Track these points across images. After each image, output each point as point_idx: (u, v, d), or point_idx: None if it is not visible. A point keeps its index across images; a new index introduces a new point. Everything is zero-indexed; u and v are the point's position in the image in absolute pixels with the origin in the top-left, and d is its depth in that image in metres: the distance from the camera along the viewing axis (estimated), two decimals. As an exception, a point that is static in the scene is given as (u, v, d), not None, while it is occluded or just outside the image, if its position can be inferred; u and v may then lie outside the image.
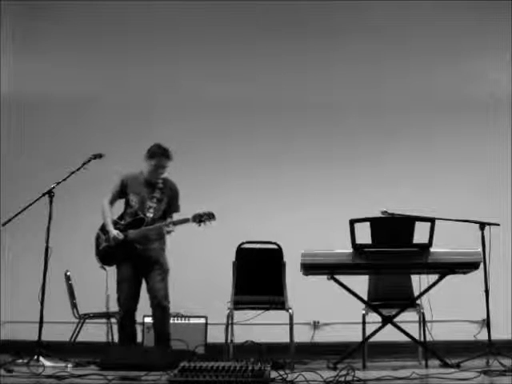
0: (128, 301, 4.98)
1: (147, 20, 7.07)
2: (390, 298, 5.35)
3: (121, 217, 5.13)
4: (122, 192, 5.13)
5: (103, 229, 5.09)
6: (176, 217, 5.10)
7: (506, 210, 6.52)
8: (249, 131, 7.01)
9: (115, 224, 5.05)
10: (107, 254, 5.05)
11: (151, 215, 5.01)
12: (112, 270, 5.13)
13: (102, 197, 5.15)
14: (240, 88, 7.01)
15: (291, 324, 5.16)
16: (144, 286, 5.08)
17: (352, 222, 4.67)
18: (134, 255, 4.98)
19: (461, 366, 4.61)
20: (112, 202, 5.14)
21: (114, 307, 5.24)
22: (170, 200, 5.10)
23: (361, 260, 4.71)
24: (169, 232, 4.98)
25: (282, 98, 7.06)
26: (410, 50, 7.02)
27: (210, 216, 4.92)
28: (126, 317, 5.00)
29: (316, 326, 6.62)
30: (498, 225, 5.01)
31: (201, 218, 4.90)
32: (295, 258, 4.80)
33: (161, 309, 4.97)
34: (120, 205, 5.18)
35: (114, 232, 4.98)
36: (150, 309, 5.03)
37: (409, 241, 4.70)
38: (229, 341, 5.28)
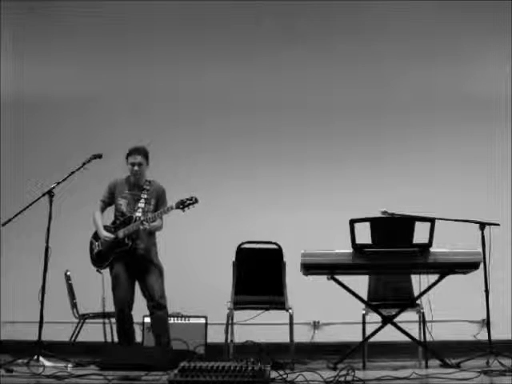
0: (123, 299, 5.00)
1: (147, 20, 7.08)
2: (390, 298, 5.35)
3: (113, 222, 5.20)
4: (110, 198, 5.23)
5: (95, 235, 5.18)
6: (166, 216, 5.12)
7: (506, 210, 6.51)
8: (249, 131, 7.00)
9: (106, 228, 5.13)
10: (101, 257, 5.13)
11: (139, 214, 5.05)
12: (108, 272, 5.14)
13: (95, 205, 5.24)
14: (240, 88, 7.01)
15: (291, 324, 5.16)
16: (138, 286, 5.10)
17: (352, 222, 4.67)
18: (126, 253, 5.02)
19: (461, 366, 4.61)
20: (102, 210, 5.25)
21: (111, 308, 5.24)
22: (157, 200, 5.15)
23: (361, 260, 4.71)
24: (144, 229, 4.97)
25: (282, 98, 7.05)
26: (409, 50, 7.01)
27: (193, 200, 4.95)
28: (122, 315, 5.02)
29: (316, 326, 6.62)
30: (498, 225, 5.00)
31: (184, 204, 4.94)
32: (295, 258, 4.80)
33: (159, 309, 4.98)
34: (110, 214, 5.23)
35: (103, 235, 5.06)
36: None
37: (409, 241, 4.70)
38: (229, 341, 5.28)
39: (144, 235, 5.05)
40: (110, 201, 5.23)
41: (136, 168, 5.12)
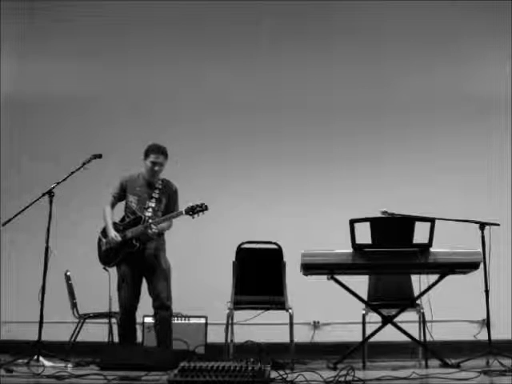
0: (128, 300, 5.00)
1: (147, 20, 7.08)
2: (390, 297, 5.35)
3: (122, 219, 5.17)
4: (121, 194, 5.18)
5: (104, 232, 5.14)
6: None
7: (506, 210, 6.51)
8: (249, 131, 7.00)
9: (115, 226, 5.09)
10: (108, 255, 5.09)
11: (150, 214, 5.02)
12: (115, 271, 5.14)
13: (104, 199, 5.21)
14: (240, 88, 7.01)
15: (291, 324, 5.16)
16: (145, 285, 5.09)
17: (352, 222, 4.67)
18: (134, 254, 5.00)
19: (461, 366, 4.61)
20: (113, 205, 5.20)
21: (115, 307, 5.24)
22: (168, 200, 5.12)
23: (361, 260, 4.72)
24: (153, 233, 4.95)
25: (282, 98, 7.05)
26: (409, 50, 7.02)
27: (203, 207, 4.92)
28: (126, 316, 5.02)
29: (316, 326, 6.62)
30: (498, 225, 5.01)
31: (193, 210, 4.90)
32: (295, 258, 4.80)
33: (164, 310, 4.97)
34: (121, 209, 5.21)
35: (111, 234, 5.02)
36: (152, 309, 5.03)
37: (409, 241, 4.70)
38: (229, 341, 5.28)
39: (154, 235, 5.00)
40: (120, 196, 5.18)
41: (157, 168, 5.06)
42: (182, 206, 5.04)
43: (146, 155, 5.09)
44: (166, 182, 5.17)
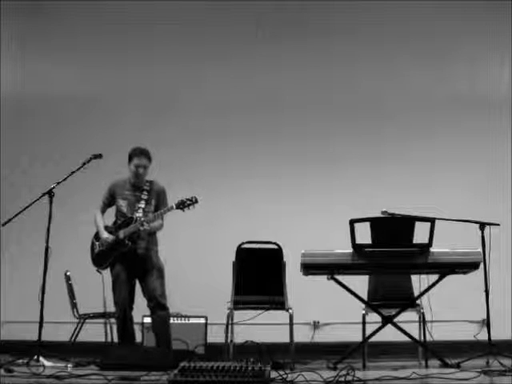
0: (123, 300, 5.01)
1: (147, 20, 7.07)
2: (390, 297, 5.35)
3: (114, 223, 5.21)
4: (110, 199, 5.24)
5: (97, 236, 5.19)
6: (166, 216, 5.13)
7: (506, 210, 6.51)
8: (249, 131, 7.00)
9: (106, 228, 5.14)
10: (101, 257, 5.13)
11: (140, 215, 5.04)
12: (109, 272, 5.15)
13: (98, 201, 5.26)
14: (240, 88, 7.01)
15: (291, 324, 5.16)
16: (139, 287, 5.11)
17: (352, 222, 4.67)
18: (126, 254, 5.02)
19: (461, 366, 4.61)
20: (103, 211, 5.26)
21: (110, 308, 5.24)
22: (157, 201, 5.15)
23: (361, 260, 4.72)
24: (144, 230, 4.96)
25: (282, 98, 7.05)
26: (409, 49, 7.02)
27: (193, 200, 4.95)
28: (122, 316, 5.02)
29: (316, 326, 6.62)
30: (498, 225, 5.00)
31: (184, 204, 4.94)
32: (295, 258, 4.80)
33: (160, 308, 4.98)
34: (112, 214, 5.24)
35: (104, 235, 5.06)
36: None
37: (409, 241, 4.70)
38: (229, 341, 5.28)
39: (145, 235, 5.05)
40: (110, 202, 5.25)
41: (141, 171, 5.11)
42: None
43: (130, 159, 5.16)
44: (152, 182, 5.21)
